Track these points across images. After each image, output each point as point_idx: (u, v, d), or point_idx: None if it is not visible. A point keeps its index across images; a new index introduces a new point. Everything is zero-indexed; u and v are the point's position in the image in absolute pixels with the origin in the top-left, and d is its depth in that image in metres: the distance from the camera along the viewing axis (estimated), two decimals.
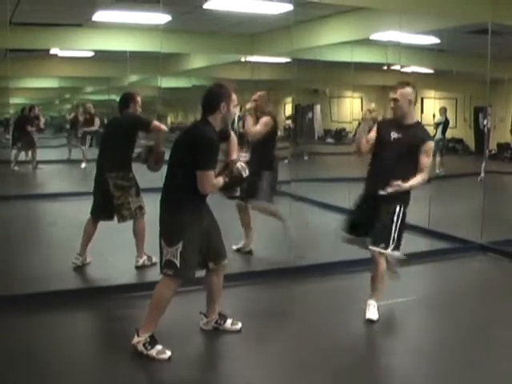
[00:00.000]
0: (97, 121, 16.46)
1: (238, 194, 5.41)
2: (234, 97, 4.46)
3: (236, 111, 4.56)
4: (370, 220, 5.08)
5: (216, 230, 4.70)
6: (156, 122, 6.37)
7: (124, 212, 6.37)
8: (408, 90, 5.13)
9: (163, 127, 6.42)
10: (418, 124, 5.29)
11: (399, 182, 4.88)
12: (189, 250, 4.33)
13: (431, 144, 5.19)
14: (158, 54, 11.06)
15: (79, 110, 17.31)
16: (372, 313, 5.06)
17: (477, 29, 10.25)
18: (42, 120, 16.89)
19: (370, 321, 5.01)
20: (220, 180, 4.45)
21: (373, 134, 5.30)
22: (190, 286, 4.94)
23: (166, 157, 4.98)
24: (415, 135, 5.11)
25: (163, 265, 4.37)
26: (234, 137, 4.80)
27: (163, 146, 6.36)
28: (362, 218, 5.22)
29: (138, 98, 6.55)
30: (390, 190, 4.88)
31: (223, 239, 4.71)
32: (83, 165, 15.85)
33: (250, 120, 6.92)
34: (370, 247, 5.07)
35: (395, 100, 5.11)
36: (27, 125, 15.33)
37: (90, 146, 16.26)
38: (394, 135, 5.12)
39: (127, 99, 6.51)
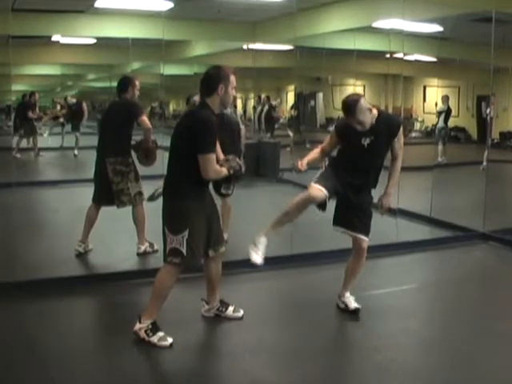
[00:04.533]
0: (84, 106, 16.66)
1: (231, 192, 5.37)
2: (232, 79, 4.40)
3: (234, 93, 4.48)
4: (351, 209, 4.89)
5: (217, 216, 4.70)
6: (144, 118, 6.33)
7: (123, 198, 6.36)
8: (362, 102, 4.64)
9: (148, 124, 6.35)
10: (381, 114, 4.83)
11: (388, 198, 4.88)
12: (195, 237, 4.32)
13: (401, 125, 4.92)
14: (161, 41, 11.06)
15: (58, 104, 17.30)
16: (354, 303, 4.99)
17: (480, 17, 10.22)
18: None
19: (358, 310, 4.93)
20: (224, 170, 4.43)
21: (329, 144, 4.98)
22: (191, 273, 4.95)
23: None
24: (389, 128, 4.79)
25: (168, 253, 4.34)
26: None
27: (152, 142, 6.42)
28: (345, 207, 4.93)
29: (137, 82, 6.49)
30: (385, 210, 4.88)
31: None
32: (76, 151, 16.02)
33: None
34: (360, 236, 4.88)
35: (360, 123, 4.67)
36: (28, 111, 15.30)
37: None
38: (365, 141, 4.73)
39: (126, 83, 6.45)
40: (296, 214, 4.74)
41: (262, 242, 4.68)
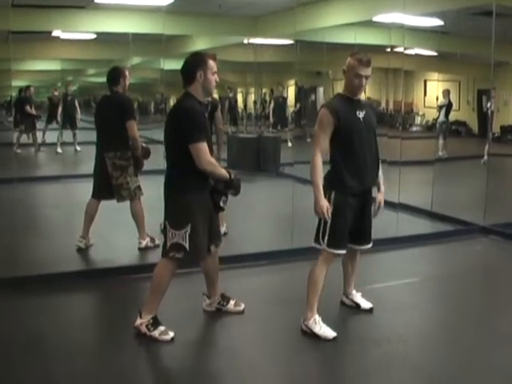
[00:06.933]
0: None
1: (223, 206, 4.58)
2: (211, 64, 4.31)
3: (217, 79, 4.36)
4: (356, 225, 4.55)
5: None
6: (132, 123, 6.21)
7: (123, 192, 6.37)
8: None
9: (133, 132, 6.21)
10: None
11: (381, 202, 4.62)
12: (198, 232, 4.30)
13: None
14: (161, 36, 11.03)
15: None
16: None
17: (481, 10, 10.19)
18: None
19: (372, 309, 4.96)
20: (222, 170, 4.38)
21: (325, 134, 4.36)
22: (191, 268, 4.96)
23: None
24: (370, 107, 4.61)
25: (169, 248, 4.31)
26: None
27: (142, 149, 6.38)
28: (350, 227, 4.52)
29: (127, 73, 6.45)
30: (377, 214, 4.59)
31: None
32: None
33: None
34: (365, 247, 4.77)
35: (367, 78, 4.37)
36: (26, 106, 15.28)
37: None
38: (360, 114, 4.39)
39: (117, 75, 6.39)
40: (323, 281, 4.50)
41: (318, 319, 4.42)
